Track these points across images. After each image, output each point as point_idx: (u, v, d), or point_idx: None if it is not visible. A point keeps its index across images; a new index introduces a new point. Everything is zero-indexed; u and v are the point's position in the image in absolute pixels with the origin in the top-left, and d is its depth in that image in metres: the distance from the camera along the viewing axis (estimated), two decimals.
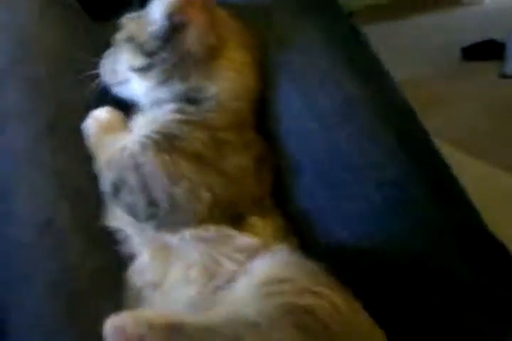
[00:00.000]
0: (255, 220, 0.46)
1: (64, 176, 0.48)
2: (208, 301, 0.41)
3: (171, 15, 0.46)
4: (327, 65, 0.52)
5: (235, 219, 0.45)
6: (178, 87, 0.49)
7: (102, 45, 0.55)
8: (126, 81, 0.51)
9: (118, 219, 0.47)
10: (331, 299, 0.37)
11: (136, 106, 0.53)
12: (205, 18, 0.47)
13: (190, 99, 0.48)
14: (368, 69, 0.55)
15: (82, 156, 0.49)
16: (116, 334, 0.36)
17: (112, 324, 0.36)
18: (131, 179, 0.44)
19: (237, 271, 0.42)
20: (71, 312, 0.43)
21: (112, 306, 0.42)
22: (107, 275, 0.45)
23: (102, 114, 0.52)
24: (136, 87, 0.51)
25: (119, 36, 0.53)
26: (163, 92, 0.50)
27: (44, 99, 0.51)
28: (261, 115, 0.52)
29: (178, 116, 0.47)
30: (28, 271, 0.44)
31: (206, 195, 0.44)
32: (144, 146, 0.45)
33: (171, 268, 0.44)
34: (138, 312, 0.39)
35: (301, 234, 0.48)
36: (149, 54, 0.48)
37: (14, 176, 0.48)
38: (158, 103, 0.50)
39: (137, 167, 0.44)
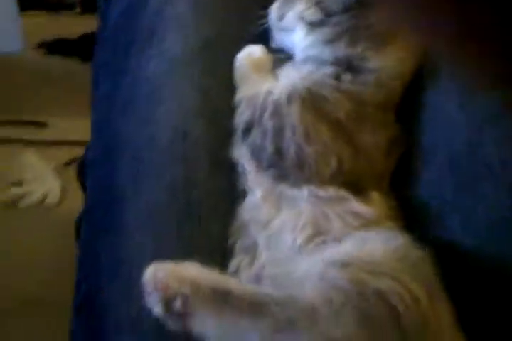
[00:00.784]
0: (373, 195, 0.46)
1: (208, 95, 0.51)
2: (310, 251, 0.41)
3: None
4: None
5: (355, 189, 0.46)
6: (342, 50, 0.49)
7: None
8: (289, 29, 0.52)
9: (242, 155, 0.48)
10: (412, 290, 0.35)
11: (288, 57, 0.53)
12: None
13: (350, 66, 0.48)
14: None
15: (226, 81, 0.51)
16: (157, 288, 0.35)
17: (154, 274, 0.36)
18: (268, 123, 0.45)
19: (346, 233, 0.42)
20: (181, 220, 0.46)
21: (220, 228, 0.45)
22: (222, 197, 0.48)
23: (256, 52, 0.52)
24: (298, 38, 0.51)
25: None
26: (324, 52, 0.49)
27: (209, 17, 0.54)
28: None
29: (332, 81, 0.47)
30: (156, 170, 0.48)
31: (334, 162, 0.44)
32: (290, 98, 0.45)
33: (281, 213, 0.44)
34: (185, 267, 0.38)
35: (411, 222, 0.47)
36: (327, 12, 0.49)
37: (164, 81, 0.51)
38: (314, 61, 0.49)
39: (278, 114, 0.45)
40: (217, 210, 0.47)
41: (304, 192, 0.44)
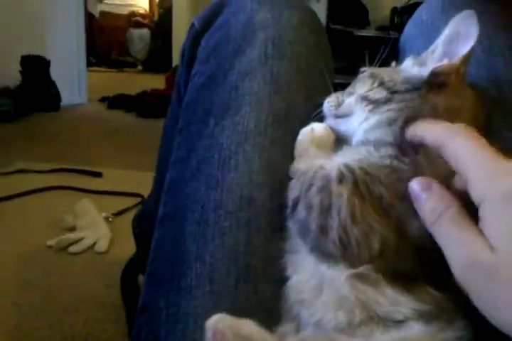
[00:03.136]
0: (430, 289, 0.41)
1: (275, 166, 0.53)
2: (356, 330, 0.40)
3: (435, 73, 0.47)
4: None
5: (407, 281, 0.42)
6: (402, 131, 0.48)
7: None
8: (347, 115, 0.52)
9: (292, 233, 0.48)
10: None
11: (344, 143, 0.53)
12: (459, 87, 0.49)
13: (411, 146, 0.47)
14: None
15: (292, 153, 0.54)
16: (215, 338, 0.38)
17: (215, 324, 0.39)
18: (315, 198, 0.44)
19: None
20: (238, 283, 0.48)
21: (274, 292, 0.47)
22: (279, 263, 0.48)
23: (319, 128, 0.53)
24: (357, 121, 0.51)
25: (361, 75, 0.54)
26: (386, 132, 0.48)
27: (280, 94, 0.57)
28: None
29: (392, 162, 0.45)
30: (219, 234, 0.50)
31: (376, 246, 0.42)
32: (342, 176, 0.45)
33: (323, 294, 0.43)
34: (244, 324, 0.40)
35: None
36: (391, 91, 0.49)
37: (236, 150, 0.54)
38: (372, 143, 0.48)
39: (326, 191, 0.44)
40: (273, 275, 0.48)
41: (342, 276, 0.42)
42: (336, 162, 0.47)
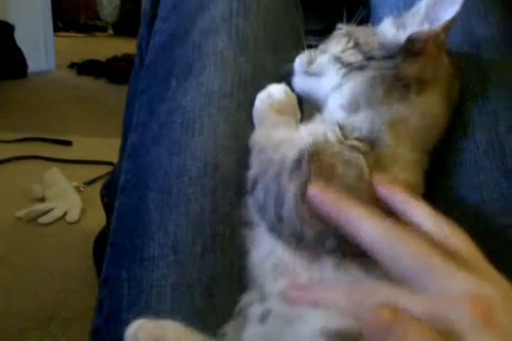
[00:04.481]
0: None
1: (241, 130, 0.51)
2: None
3: (412, 40, 0.45)
4: None
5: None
6: (374, 111, 0.46)
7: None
8: (319, 74, 0.50)
9: (251, 208, 0.46)
10: None
11: (307, 103, 0.53)
12: (436, 55, 0.47)
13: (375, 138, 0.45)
14: None
15: None
16: None
17: (135, 333, 0.37)
18: (271, 185, 0.43)
19: None
20: (204, 252, 0.46)
21: (241, 261, 0.46)
22: (245, 232, 0.47)
23: (279, 91, 0.50)
24: (328, 84, 0.49)
25: (336, 32, 0.52)
26: (357, 103, 0.46)
27: (247, 53, 0.54)
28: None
29: (357, 160, 0.42)
30: (183, 202, 0.48)
31: (332, 241, 0.41)
32: (295, 167, 0.42)
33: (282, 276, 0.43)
34: (167, 329, 0.39)
35: None
36: (367, 56, 0.47)
37: (199, 113, 0.51)
38: (342, 109, 0.47)
39: (278, 182, 0.43)
40: (240, 244, 0.46)
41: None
42: (296, 139, 0.45)
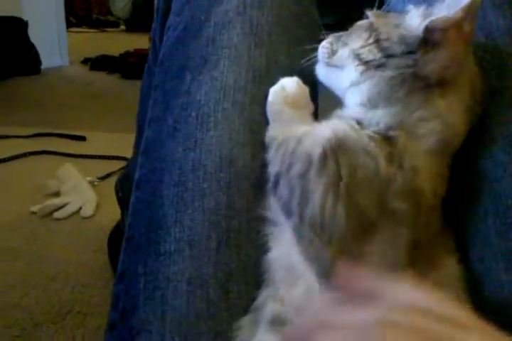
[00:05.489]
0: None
1: (256, 124, 0.51)
2: None
3: (430, 30, 0.42)
4: None
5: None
6: (396, 110, 0.44)
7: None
8: (339, 67, 0.49)
9: (274, 206, 0.46)
10: None
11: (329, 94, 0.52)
12: (460, 49, 0.44)
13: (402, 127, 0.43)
14: None
15: None
16: None
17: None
18: (296, 182, 0.42)
19: None
20: (220, 247, 0.46)
21: (257, 257, 0.45)
22: (261, 227, 0.47)
23: (292, 84, 0.50)
24: (347, 77, 0.47)
25: (360, 23, 0.50)
26: (376, 101, 0.45)
27: (261, 47, 0.54)
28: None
29: (376, 148, 0.41)
30: (199, 196, 0.48)
31: (349, 239, 0.40)
32: (323, 162, 0.41)
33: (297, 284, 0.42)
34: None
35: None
36: (386, 52, 0.45)
37: (214, 108, 0.51)
38: (360, 106, 0.46)
39: (305, 179, 0.41)
40: (256, 239, 0.46)
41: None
42: (318, 133, 0.44)
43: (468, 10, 0.41)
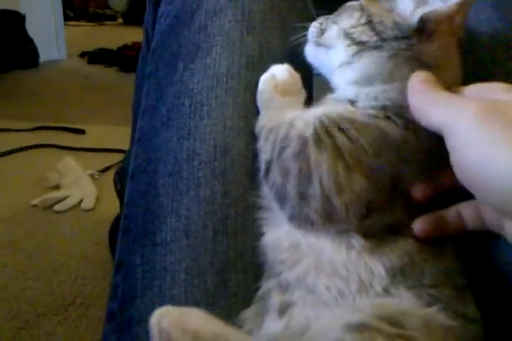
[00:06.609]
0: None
1: (250, 112, 0.50)
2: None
3: (424, 21, 0.43)
4: None
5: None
6: (392, 90, 0.44)
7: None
8: (328, 46, 0.48)
9: (266, 194, 0.45)
10: None
11: (318, 75, 0.51)
12: (448, 41, 0.44)
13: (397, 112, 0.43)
14: None
15: None
16: (161, 336, 0.37)
17: (159, 321, 0.37)
18: (291, 164, 0.41)
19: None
20: (216, 236, 0.46)
21: (254, 245, 0.45)
22: (257, 215, 0.46)
23: (282, 72, 0.49)
24: (336, 59, 0.47)
25: (350, 3, 0.49)
26: (369, 80, 0.44)
27: (253, 34, 0.53)
28: None
29: (380, 123, 0.41)
30: (194, 185, 0.47)
31: (364, 211, 0.40)
32: (318, 140, 0.40)
33: (305, 259, 0.42)
34: (190, 316, 0.38)
35: None
36: (380, 36, 0.44)
37: (207, 95, 0.50)
38: (353, 84, 0.45)
39: (302, 158, 0.40)
40: (252, 227, 0.46)
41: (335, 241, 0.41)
42: (310, 115, 0.43)
43: (463, 7, 0.42)
